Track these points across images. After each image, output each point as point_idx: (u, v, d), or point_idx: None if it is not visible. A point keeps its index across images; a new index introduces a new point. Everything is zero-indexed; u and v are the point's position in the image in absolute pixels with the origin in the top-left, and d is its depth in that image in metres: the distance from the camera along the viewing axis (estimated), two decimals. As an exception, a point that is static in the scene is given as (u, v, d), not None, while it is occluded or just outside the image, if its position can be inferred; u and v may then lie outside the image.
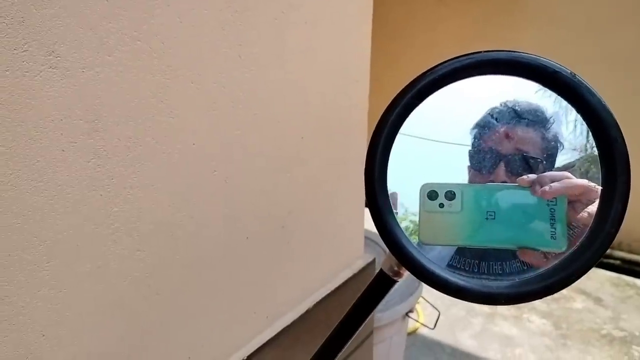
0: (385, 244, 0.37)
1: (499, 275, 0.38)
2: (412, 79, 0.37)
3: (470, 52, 0.36)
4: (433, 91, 0.37)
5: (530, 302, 2.54)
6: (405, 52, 3.45)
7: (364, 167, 1.08)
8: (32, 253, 0.59)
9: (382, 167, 0.37)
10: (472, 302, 0.37)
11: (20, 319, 0.59)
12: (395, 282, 0.42)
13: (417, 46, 3.43)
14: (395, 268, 0.41)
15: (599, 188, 0.37)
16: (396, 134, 0.37)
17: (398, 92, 0.37)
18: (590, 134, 0.37)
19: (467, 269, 0.38)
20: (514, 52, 0.35)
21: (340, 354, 0.43)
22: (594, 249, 0.35)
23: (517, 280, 0.37)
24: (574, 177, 0.37)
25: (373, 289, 0.42)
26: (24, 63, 0.54)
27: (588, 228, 0.36)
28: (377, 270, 1.20)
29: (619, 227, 0.35)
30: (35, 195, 0.58)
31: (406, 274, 0.41)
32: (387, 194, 0.38)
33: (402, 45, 3.48)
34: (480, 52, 0.36)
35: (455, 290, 0.36)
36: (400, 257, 0.37)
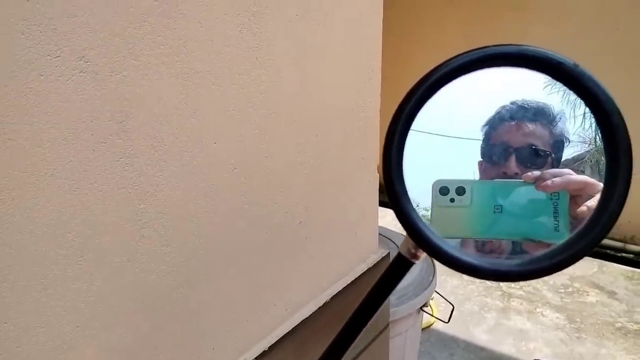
0: (403, 226, 0.40)
1: (509, 254, 0.41)
2: (426, 72, 0.40)
3: (480, 46, 0.39)
4: (446, 83, 0.40)
5: (544, 297, 2.56)
6: (415, 51, 3.47)
7: (377, 163, 1.10)
8: (66, 248, 0.62)
9: (398, 155, 0.40)
10: (484, 279, 0.39)
11: (56, 310, 0.63)
12: (412, 263, 0.44)
13: (426, 45, 3.44)
14: (413, 250, 0.44)
15: (599, 184, 0.39)
16: (411, 123, 0.40)
17: (413, 84, 0.39)
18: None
19: (479, 248, 0.41)
20: (521, 45, 0.38)
21: (361, 332, 0.46)
22: (599, 227, 0.37)
23: (527, 258, 0.39)
24: (574, 173, 0.40)
25: (392, 271, 0.45)
26: (57, 68, 0.57)
27: (594, 208, 0.38)
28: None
29: (623, 206, 0.37)
30: (68, 193, 0.61)
31: (423, 256, 0.44)
32: (404, 180, 0.41)
33: (412, 44, 3.50)
34: (489, 46, 0.39)
35: (468, 269, 0.39)
36: (417, 239, 0.40)
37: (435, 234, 0.40)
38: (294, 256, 1.02)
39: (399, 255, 0.44)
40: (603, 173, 0.39)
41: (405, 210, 0.40)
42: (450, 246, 0.40)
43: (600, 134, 0.38)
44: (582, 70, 0.37)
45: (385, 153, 0.39)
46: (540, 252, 0.39)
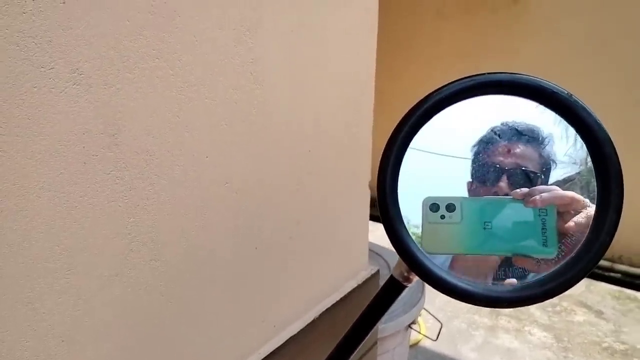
0: (397, 251, 0.40)
1: (502, 280, 0.41)
2: (419, 99, 0.40)
3: (474, 74, 0.39)
4: (439, 110, 0.40)
5: (531, 315, 2.56)
6: (408, 65, 3.50)
7: (369, 179, 1.10)
8: (54, 261, 0.61)
9: (393, 180, 0.40)
10: (476, 305, 0.39)
11: (42, 324, 0.62)
12: (405, 287, 0.44)
13: (420, 60, 3.47)
14: (405, 274, 0.44)
15: (586, 200, 0.40)
16: (406, 149, 0.40)
17: (407, 111, 0.40)
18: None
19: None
20: (515, 74, 0.38)
21: (352, 355, 0.46)
22: (590, 256, 0.38)
23: (519, 284, 0.40)
24: (560, 189, 0.41)
25: (384, 294, 0.45)
26: (51, 80, 0.57)
27: (585, 236, 0.39)
28: (380, 281, 1.22)
29: (613, 236, 0.37)
30: (58, 206, 0.60)
31: (415, 279, 0.44)
32: (398, 205, 0.41)
33: (405, 58, 3.52)
34: (484, 73, 0.39)
35: (461, 294, 0.39)
36: (410, 264, 0.40)
37: (430, 259, 0.40)
38: (283, 271, 1.02)
39: (392, 278, 0.44)
40: (593, 194, 0.40)
41: (399, 235, 0.40)
42: (445, 272, 0.40)
43: (592, 163, 0.39)
44: (576, 100, 0.38)
45: (380, 179, 0.39)
46: (531, 279, 0.39)
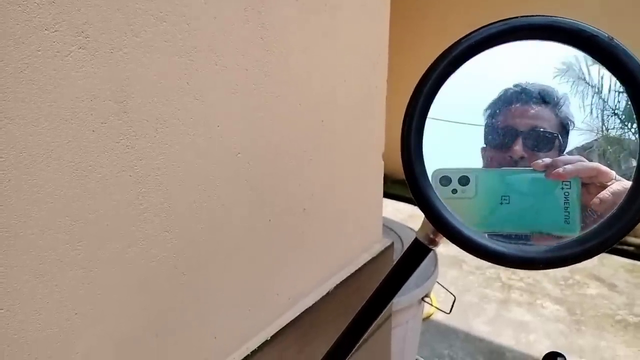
0: (422, 210, 0.38)
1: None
2: (447, 46, 0.37)
3: (506, 17, 0.36)
4: (468, 58, 0.37)
5: (544, 289, 2.55)
6: (418, 41, 3.44)
7: (383, 150, 1.08)
8: (64, 232, 0.60)
9: (418, 135, 0.38)
10: (510, 267, 0.37)
11: (54, 297, 0.61)
12: (430, 250, 0.42)
13: (429, 34, 3.42)
14: (431, 236, 0.41)
15: (612, 172, 0.37)
16: (433, 100, 0.38)
17: (434, 60, 0.37)
18: (605, 115, 0.37)
19: (504, 234, 0.39)
20: (551, 16, 0.36)
21: (376, 320, 0.44)
22: (632, 212, 0.35)
23: (555, 244, 0.37)
24: (586, 160, 0.38)
25: (408, 258, 0.43)
26: (55, 43, 0.54)
27: (627, 192, 0.36)
28: (394, 255, 1.20)
29: (657, 189, 0.35)
30: (67, 175, 0.59)
31: (442, 242, 0.42)
32: (423, 162, 0.38)
33: (415, 34, 3.47)
34: (517, 17, 0.36)
35: (494, 256, 0.37)
36: (437, 224, 0.38)
37: (457, 219, 0.38)
38: (297, 244, 1.00)
39: (416, 241, 0.42)
40: (610, 162, 0.37)
41: (425, 193, 0.38)
42: (474, 232, 0.38)
43: (634, 112, 0.36)
44: (617, 43, 0.35)
45: (405, 132, 0.37)
46: (569, 239, 0.37)
